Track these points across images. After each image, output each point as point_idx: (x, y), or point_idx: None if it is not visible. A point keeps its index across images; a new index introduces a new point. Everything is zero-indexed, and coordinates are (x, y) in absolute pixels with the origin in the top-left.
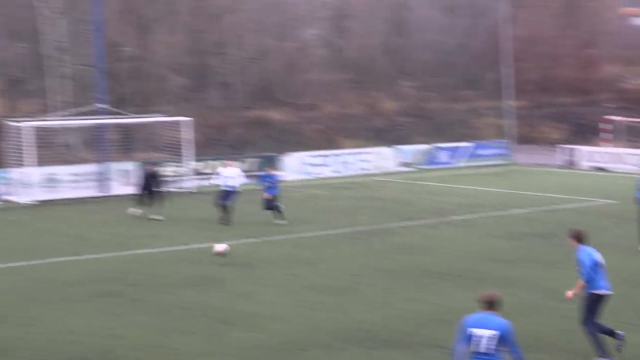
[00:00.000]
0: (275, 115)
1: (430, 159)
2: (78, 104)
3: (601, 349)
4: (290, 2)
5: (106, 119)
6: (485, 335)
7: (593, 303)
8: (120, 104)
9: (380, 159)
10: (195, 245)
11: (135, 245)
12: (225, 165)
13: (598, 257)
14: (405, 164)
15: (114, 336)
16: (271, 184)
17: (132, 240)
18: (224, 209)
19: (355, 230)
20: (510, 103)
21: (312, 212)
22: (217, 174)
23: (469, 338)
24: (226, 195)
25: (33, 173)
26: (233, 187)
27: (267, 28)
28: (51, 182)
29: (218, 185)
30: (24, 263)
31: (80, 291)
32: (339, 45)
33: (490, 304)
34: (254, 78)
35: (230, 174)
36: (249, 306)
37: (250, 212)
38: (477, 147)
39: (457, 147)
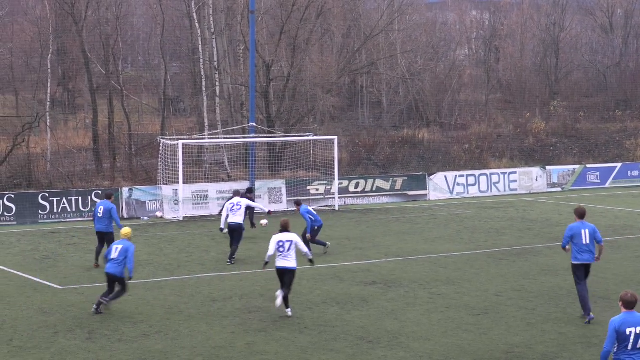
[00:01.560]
0: (424, 134)
1: (580, 180)
2: (231, 123)
3: None
4: (443, 22)
5: (257, 137)
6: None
7: None
8: (272, 123)
9: (528, 179)
10: (339, 264)
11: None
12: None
13: None
14: (554, 185)
15: (255, 352)
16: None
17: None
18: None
19: (499, 250)
20: None
21: (457, 231)
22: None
23: (624, 338)
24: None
25: (183, 190)
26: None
27: (418, 48)
28: (200, 199)
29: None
30: (170, 278)
31: (224, 306)
32: (491, 65)
33: (635, 304)
34: (404, 98)
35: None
36: (392, 325)
37: (394, 231)
38: (627, 168)
39: (606, 168)
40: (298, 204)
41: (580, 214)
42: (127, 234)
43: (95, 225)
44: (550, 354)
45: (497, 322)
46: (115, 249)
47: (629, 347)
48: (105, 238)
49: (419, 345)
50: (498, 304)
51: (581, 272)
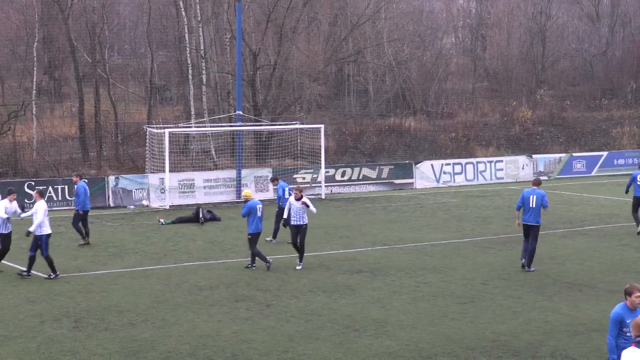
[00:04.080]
0: (411, 123)
1: (566, 168)
2: (217, 111)
3: None
4: (429, 11)
5: (243, 125)
6: None
7: None
8: (258, 111)
9: (515, 168)
10: (325, 252)
11: (266, 251)
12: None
13: None
14: (541, 173)
15: (242, 340)
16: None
17: (263, 246)
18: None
19: (485, 239)
20: None
21: (443, 220)
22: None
23: (624, 325)
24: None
25: (169, 178)
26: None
27: (405, 36)
28: (187, 187)
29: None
30: (157, 266)
31: (210, 295)
32: (477, 53)
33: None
34: (391, 86)
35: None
36: (378, 313)
37: (380, 219)
38: (613, 157)
39: (593, 157)
40: (275, 179)
41: (535, 183)
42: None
43: (85, 206)
44: (536, 342)
45: (483, 310)
46: None
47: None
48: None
49: (405, 333)
50: (484, 293)
51: (525, 230)
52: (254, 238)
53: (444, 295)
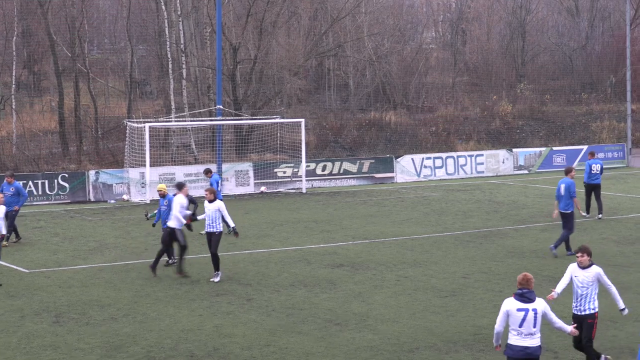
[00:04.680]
0: (391, 117)
1: (546, 162)
2: (197, 106)
3: None
4: (409, 5)
5: (224, 120)
6: None
7: None
8: (239, 106)
9: (495, 162)
10: (306, 246)
11: (247, 245)
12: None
13: None
14: (521, 167)
15: (223, 335)
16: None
17: (243, 240)
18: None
19: (466, 233)
20: (630, 106)
21: (424, 214)
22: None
23: None
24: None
25: (150, 173)
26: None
27: (385, 30)
28: (167, 181)
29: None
30: (138, 261)
31: (191, 289)
32: (458, 47)
33: None
34: (371, 80)
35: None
36: (359, 307)
37: (361, 213)
38: (593, 151)
39: (573, 150)
40: (208, 171)
41: (566, 171)
42: None
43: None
44: None
45: (465, 304)
46: None
47: None
48: None
49: (386, 327)
50: (465, 286)
51: (560, 217)
52: (173, 233)
53: (425, 289)
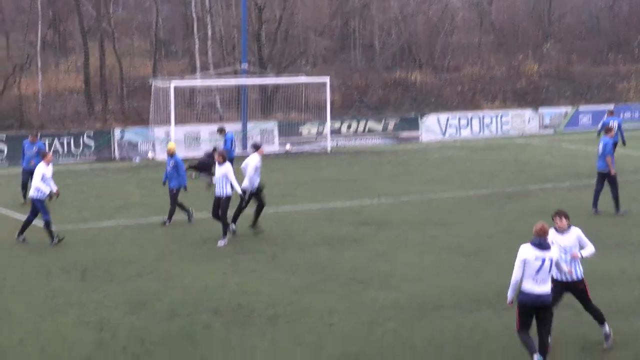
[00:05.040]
0: (417, 76)
1: (572, 122)
2: (222, 65)
3: None
4: None
5: (249, 79)
6: None
7: None
8: (264, 65)
9: (521, 121)
10: (330, 205)
11: (272, 204)
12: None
13: None
14: (547, 127)
15: (247, 292)
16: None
17: (268, 199)
18: None
19: (491, 192)
20: None
21: (449, 173)
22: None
23: None
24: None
25: (175, 131)
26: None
27: None
28: (192, 140)
29: None
30: (163, 219)
31: (215, 247)
32: (484, 7)
33: None
34: (397, 40)
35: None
36: (383, 266)
37: (386, 172)
38: (619, 111)
39: (599, 111)
40: (221, 130)
41: (605, 130)
42: None
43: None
44: None
45: (488, 264)
46: None
47: None
48: None
49: (410, 286)
50: (489, 246)
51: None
52: (178, 193)
53: (449, 248)
